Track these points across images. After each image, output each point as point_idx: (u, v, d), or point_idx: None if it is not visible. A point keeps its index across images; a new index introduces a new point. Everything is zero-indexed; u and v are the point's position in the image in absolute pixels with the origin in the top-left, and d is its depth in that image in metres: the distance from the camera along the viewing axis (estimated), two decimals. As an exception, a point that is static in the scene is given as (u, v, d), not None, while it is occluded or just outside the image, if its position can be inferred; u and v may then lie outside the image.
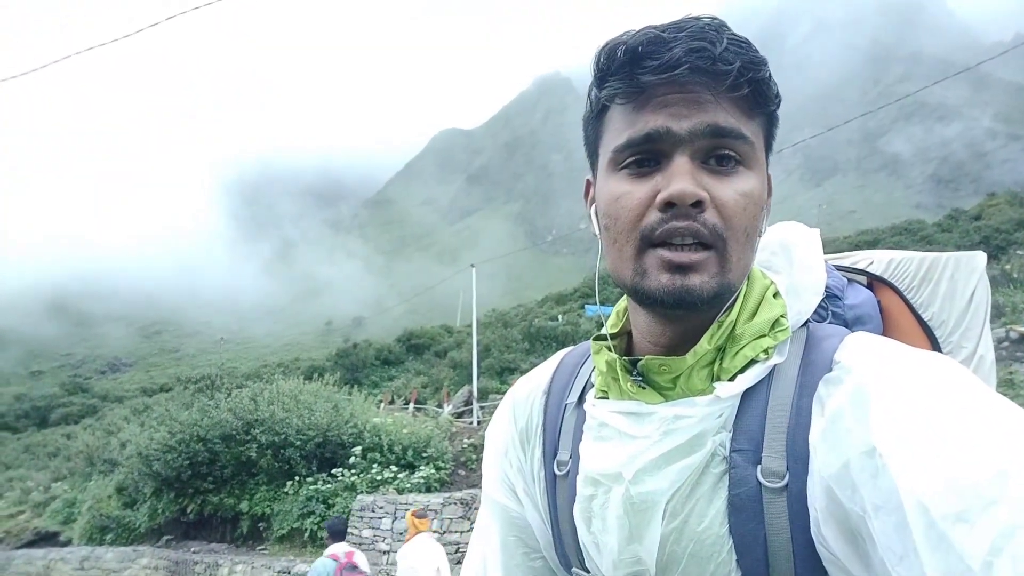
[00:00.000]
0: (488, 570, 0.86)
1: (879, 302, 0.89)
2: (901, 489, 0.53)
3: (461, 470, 13.57)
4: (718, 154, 0.65)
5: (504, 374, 31.51)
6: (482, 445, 12.12)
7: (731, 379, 0.68)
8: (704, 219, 0.63)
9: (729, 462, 0.65)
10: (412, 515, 5.69)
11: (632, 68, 0.65)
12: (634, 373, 0.72)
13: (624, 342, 0.78)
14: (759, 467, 0.64)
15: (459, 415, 20.64)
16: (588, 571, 0.77)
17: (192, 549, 13.44)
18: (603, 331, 0.77)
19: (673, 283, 0.64)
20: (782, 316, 0.71)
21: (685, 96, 0.64)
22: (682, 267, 0.64)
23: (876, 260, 0.92)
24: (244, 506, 13.41)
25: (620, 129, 0.67)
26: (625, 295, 0.75)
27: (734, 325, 0.69)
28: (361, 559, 5.63)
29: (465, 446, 14.14)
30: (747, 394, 0.67)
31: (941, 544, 0.51)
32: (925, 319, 0.86)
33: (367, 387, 28.48)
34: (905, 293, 0.88)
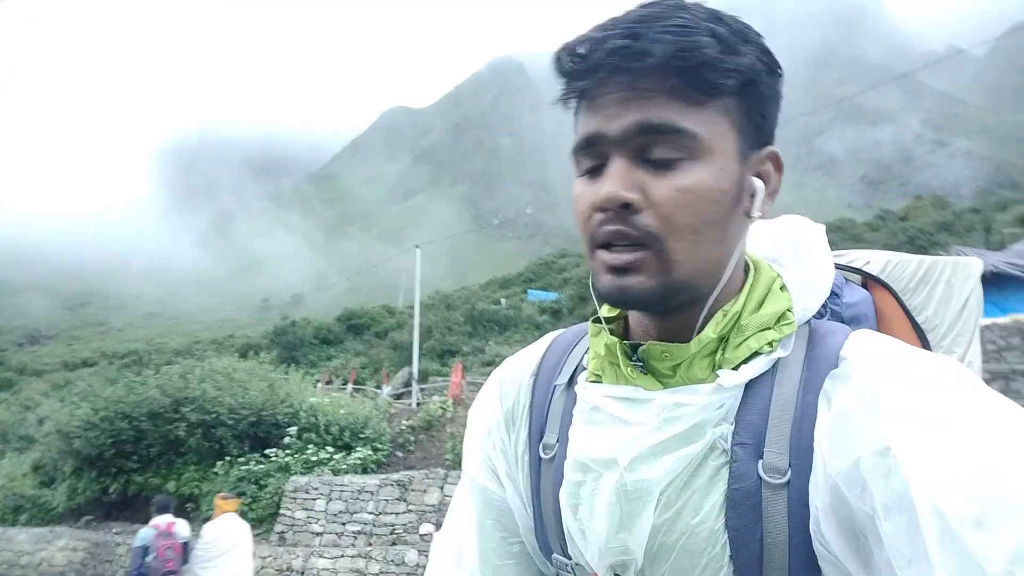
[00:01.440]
0: (463, 554, 0.84)
1: (874, 302, 0.89)
2: (914, 491, 0.53)
3: (399, 452, 13.47)
4: (655, 151, 0.63)
5: (445, 356, 31.45)
6: (420, 427, 11.99)
7: (734, 370, 0.67)
8: (634, 221, 0.63)
9: (730, 455, 0.64)
10: (219, 498, 6.38)
11: (571, 71, 0.65)
12: (634, 358, 0.70)
13: (620, 327, 0.77)
14: (761, 462, 0.63)
15: (398, 396, 20.50)
16: (570, 558, 0.75)
17: (114, 530, 12.96)
18: (600, 314, 0.76)
19: (613, 283, 0.65)
20: (788, 310, 0.71)
21: (617, 95, 0.63)
22: (619, 268, 0.64)
23: (873, 260, 0.92)
24: (171, 486, 12.98)
25: (576, 131, 0.68)
26: None
27: (739, 315, 0.68)
28: (182, 527, 6.26)
29: (404, 428, 14.02)
30: (749, 387, 0.66)
31: (956, 549, 0.50)
32: (919, 322, 0.86)
33: (304, 366, 27.92)
34: (901, 295, 0.87)
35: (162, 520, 6.26)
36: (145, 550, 5.99)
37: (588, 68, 0.64)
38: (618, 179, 0.63)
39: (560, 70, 0.67)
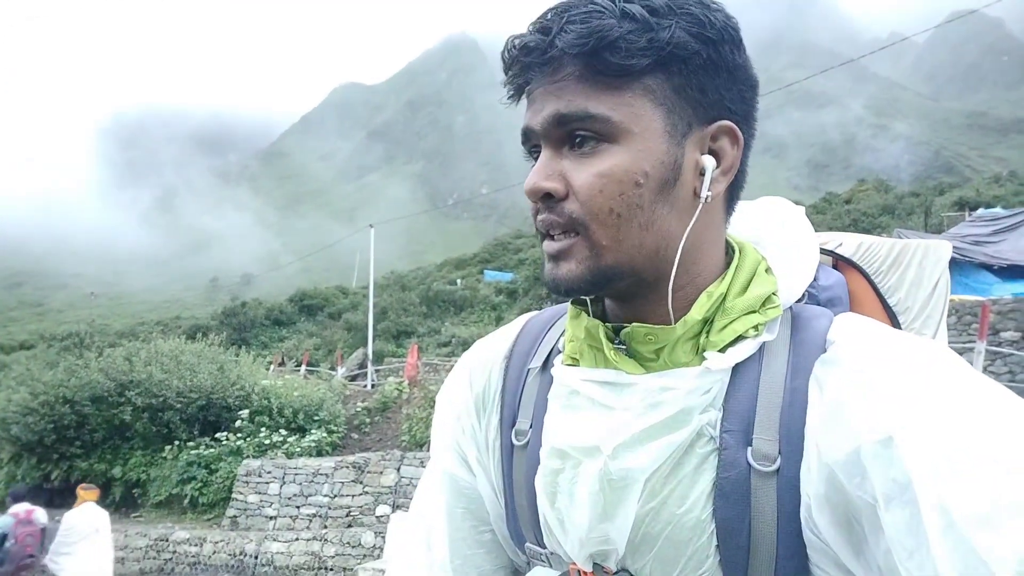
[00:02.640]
0: (433, 543, 0.81)
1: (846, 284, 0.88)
2: (917, 484, 0.52)
3: (354, 434, 13.38)
4: (573, 139, 0.64)
5: (400, 337, 31.26)
6: (376, 408, 11.91)
7: (720, 352, 0.66)
8: (560, 208, 0.64)
9: (719, 443, 0.63)
10: (80, 488, 6.74)
11: (507, 72, 0.68)
12: (616, 341, 0.69)
13: (599, 309, 0.75)
14: (749, 449, 0.61)
15: (353, 378, 20.30)
16: (545, 547, 0.73)
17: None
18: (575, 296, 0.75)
19: (549, 272, 0.66)
20: (774, 293, 0.69)
21: (541, 90, 0.65)
22: (553, 256, 0.65)
23: (845, 242, 0.91)
24: (117, 471, 12.68)
25: None
26: None
27: (724, 297, 0.67)
28: (40, 515, 6.60)
29: (359, 409, 13.92)
30: (736, 372, 0.65)
31: (960, 547, 0.49)
32: (891, 304, 0.86)
33: (256, 348, 27.43)
34: (874, 277, 0.86)
35: (20, 508, 6.58)
36: (4, 537, 6.29)
37: (513, 67, 0.66)
38: (540, 171, 0.64)
39: (504, 70, 0.68)
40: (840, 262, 0.90)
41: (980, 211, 17.75)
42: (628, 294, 0.68)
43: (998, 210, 17.18)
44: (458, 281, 43.87)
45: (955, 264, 13.49)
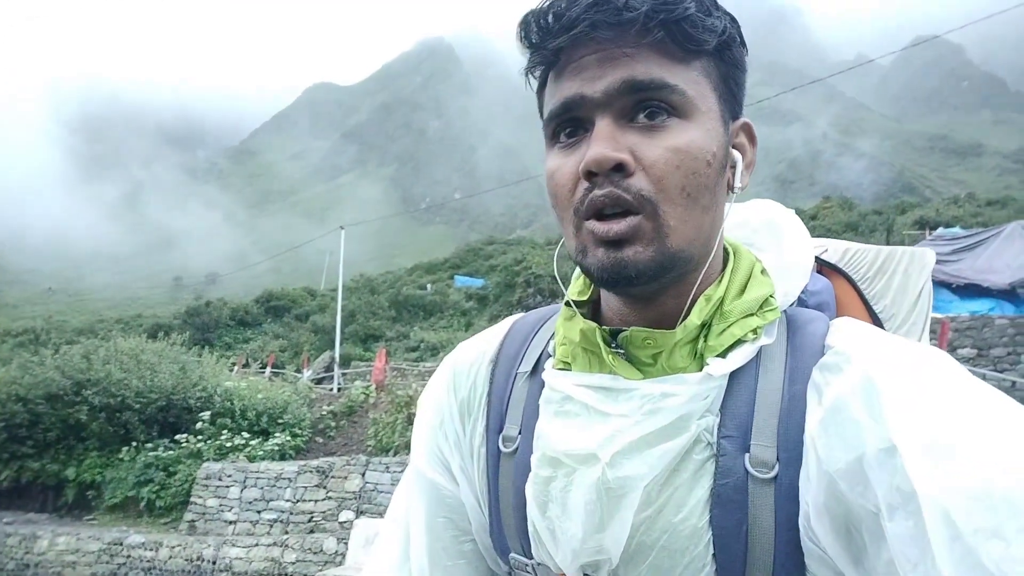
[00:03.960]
0: (412, 554, 0.78)
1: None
2: (921, 494, 0.50)
3: (319, 437, 13.19)
4: (644, 109, 0.60)
5: (368, 341, 30.97)
6: (342, 412, 11.76)
7: (720, 357, 0.64)
8: (628, 184, 0.59)
9: (716, 449, 0.61)
10: None
11: (542, 35, 0.62)
12: (613, 345, 0.66)
13: (591, 310, 0.73)
14: (747, 455, 0.60)
15: (319, 381, 20.03)
16: (531, 558, 0.70)
17: (4, 520, 12.16)
18: (568, 297, 0.72)
19: (608, 257, 0.60)
20: (771, 295, 0.68)
21: (598, 55, 0.60)
22: (612, 240, 0.60)
23: (831, 249, 0.90)
24: (71, 472, 12.31)
25: (548, 101, 0.65)
26: None
27: (722, 300, 0.65)
28: None
29: (324, 413, 13.73)
30: (734, 377, 0.63)
31: (967, 558, 0.47)
32: (877, 311, 0.84)
33: (220, 349, 26.87)
34: (860, 284, 0.86)
35: None
36: None
37: (565, 25, 0.59)
38: (606, 140, 0.59)
39: (529, 34, 0.63)
40: (825, 268, 0.88)
41: (940, 230, 18.23)
42: (660, 290, 0.64)
43: (957, 230, 17.68)
44: (428, 286, 43.61)
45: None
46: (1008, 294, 12.37)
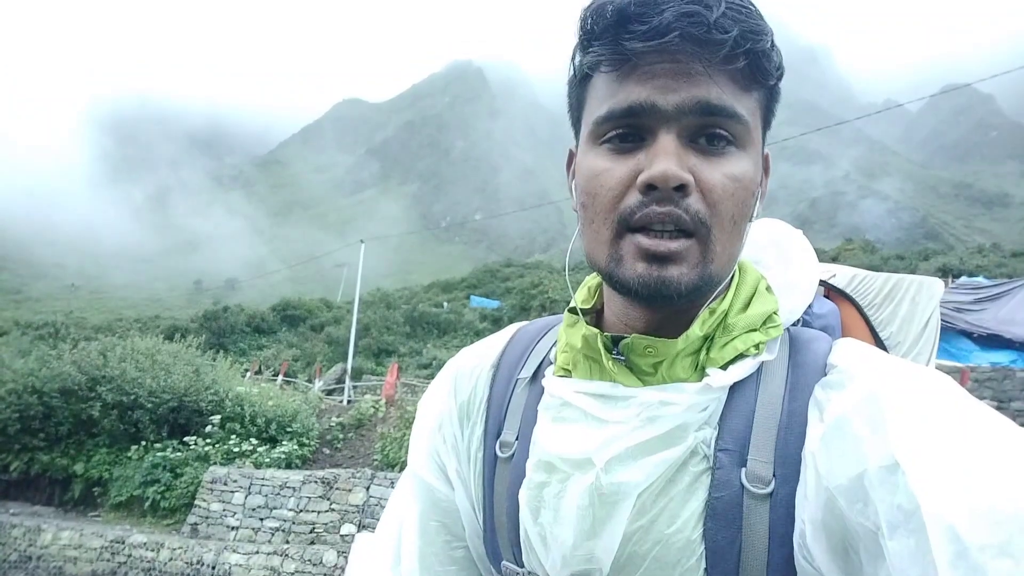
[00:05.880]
0: (403, 557, 0.78)
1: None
2: (925, 512, 0.49)
3: (326, 448, 13.17)
4: (708, 133, 0.59)
5: (381, 355, 31.04)
6: (351, 425, 11.75)
7: (721, 370, 0.64)
8: (687, 204, 0.58)
9: (713, 462, 0.61)
10: None
11: (618, 32, 0.59)
12: (614, 352, 0.66)
13: (594, 319, 0.72)
14: (743, 470, 0.59)
15: (330, 392, 20.07)
16: (523, 566, 0.69)
17: (11, 511, 12.23)
18: (573, 305, 0.72)
19: (649, 273, 0.59)
20: (775, 312, 0.68)
21: (674, 67, 0.58)
22: (660, 257, 0.59)
23: (839, 274, 0.90)
24: (79, 468, 12.38)
25: (603, 99, 0.62)
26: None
27: (726, 314, 0.65)
28: None
29: (333, 424, 13.72)
30: (733, 390, 0.63)
31: None
32: (883, 338, 0.84)
33: (234, 354, 27.01)
34: (867, 310, 0.85)
35: None
36: None
37: (656, 30, 0.57)
38: (675, 157, 0.58)
39: (603, 27, 0.60)
40: (833, 292, 0.88)
41: (963, 279, 18.01)
42: (685, 307, 0.64)
43: (981, 279, 17.44)
44: (444, 304, 43.74)
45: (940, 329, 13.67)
46: (1031, 347, 12.17)
